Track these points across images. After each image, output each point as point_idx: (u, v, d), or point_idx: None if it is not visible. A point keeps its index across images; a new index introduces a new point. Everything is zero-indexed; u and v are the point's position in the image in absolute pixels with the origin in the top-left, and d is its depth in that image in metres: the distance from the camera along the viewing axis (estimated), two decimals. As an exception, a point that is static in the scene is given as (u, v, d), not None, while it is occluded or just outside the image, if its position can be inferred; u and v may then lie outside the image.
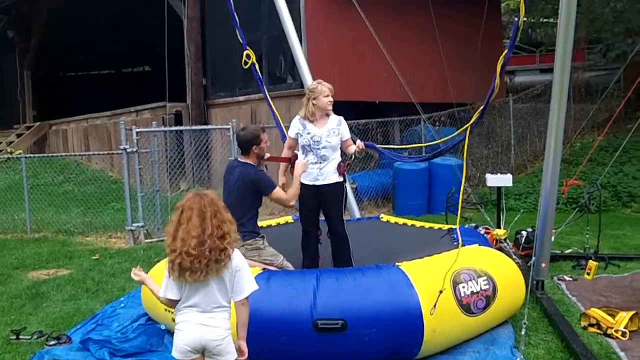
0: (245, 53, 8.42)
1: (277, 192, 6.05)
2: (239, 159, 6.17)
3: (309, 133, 6.54)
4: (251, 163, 6.07)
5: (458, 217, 6.58)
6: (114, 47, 25.90)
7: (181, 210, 3.98)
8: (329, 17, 13.71)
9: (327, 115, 6.62)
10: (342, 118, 6.68)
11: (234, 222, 4.04)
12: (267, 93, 8.63)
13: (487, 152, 15.28)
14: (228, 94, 15.73)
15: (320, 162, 6.53)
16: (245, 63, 8.45)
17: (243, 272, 4.02)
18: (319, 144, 6.50)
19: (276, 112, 8.27)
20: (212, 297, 3.96)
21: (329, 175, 6.51)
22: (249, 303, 4.07)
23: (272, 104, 8.51)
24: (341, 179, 6.58)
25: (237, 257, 4.04)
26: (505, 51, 6.03)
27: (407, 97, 10.37)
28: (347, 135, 6.61)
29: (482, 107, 6.20)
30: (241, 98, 15.10)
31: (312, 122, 6.59)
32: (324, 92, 6.56)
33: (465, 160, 6.59)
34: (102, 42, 25.08)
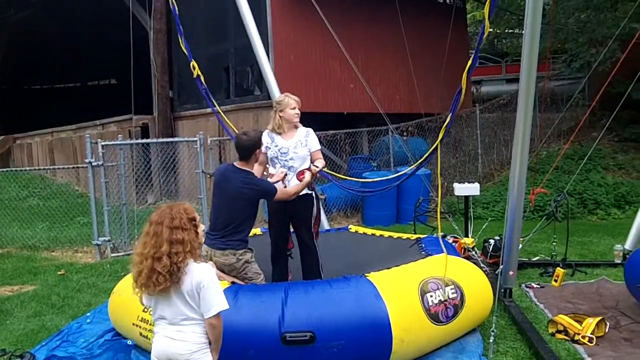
0: (192, 64, 8.44)
1: (280, 193, 6.03)
2: (235, 165, 6.00)
3: (276, 145, 6.52)
4: (251, 170, 5.96)
5: (439, 226, 6.59)
6: (80, 60, 25.70)
7: (149, 222, 3.97)
8: (296, 29, 13.74)
9: (296, 127, 6.60)
10: (310, 130, 6.65)
11: (185, 242, 3.89)
12: (214, 103, 8.63)
13: (454, 162, 15.39)
14: (195, 106, 15.66)
15: (289, 174, 6.51)
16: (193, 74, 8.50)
17: (208, 289, 3.89)
18: (286, 155, 6.47)
19: (228, 123, 8.28)
20: (177, 310, 3.91)
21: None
22: (221, 320, 3.97)
23: (221, 114, 8.54)
24: (310, 191, 6.55)
25: (200, 273, 3.91)
26: (470, 60, 6.08)
27: (375, 108, 10.42)
28: (315, 146, 6.58)
29: (446, 122, 6.24)
30: (208, 110, 14.98)
31: (280, 134, 6.58)
32: (291, 104, 6.54)
33: (439, 175, 6.61)
34: (67, 55, 24.87)
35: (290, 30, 13.68)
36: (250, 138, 5.94)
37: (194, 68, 8.50)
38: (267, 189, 5.95)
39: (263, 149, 6.62)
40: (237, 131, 8.12)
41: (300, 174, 6.42)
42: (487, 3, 5.97)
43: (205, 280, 3.88)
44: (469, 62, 6.14)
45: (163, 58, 15.59)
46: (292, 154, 6.45)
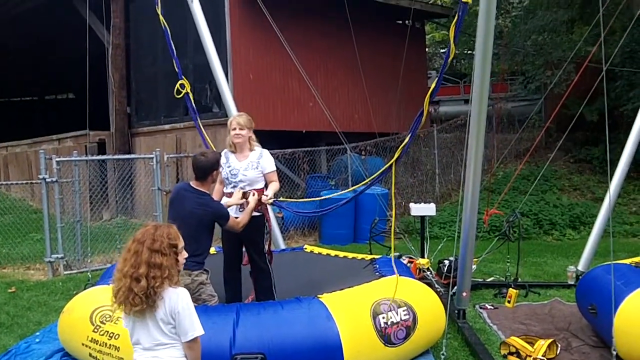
0: (179, 82, 8.37)
1: (231, 222, 5.99)
2: (190, 184, 5.98)
3: (229, 166, 6.53)
4: (207, 192, 5.94)
5: (392, 247, 6.59)
6: (37, 73, 25.34)
7: (132, 239, 3.90)
8: (256, 48, 13.75)
9: (251, 148, 6.59)
10: (265, 151, 6.63)
11: (162, 268, 3.79)
12: (199, 123, 8.56)
13: (412, 181, 15.48)
14: (153, 122, 15.55)
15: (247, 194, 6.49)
16: (179, 92, 8.40)
17: (183, 316, 3.78)
18: (236, 177, 6.46)
19: (209, 141, 8.24)
20: (151, 335, 3.81)
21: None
22: (198, 344, 3.86)
23: (205, 133, 8.47)
24: (259, 214, 6.51)
25: (175, 298, 3.81)
26: (434, 84, 6.12)
27: (333, 127, 10.43)
28: (269, 168, 6.55)
29: (404, 142, 6.28)
30: (166, 127, 14.97)
31: (234, 154, 6.58)
32: (232, 125, 6.57)
33: (394, 195, 6.63)
34: (24, 68, 24.48)
35: (250, 49, 13.69)
36: (207, 159, 5.95)
37: (183, 87, 8.39)
38: (219, 213, 5.94)
39: (220, 168, 6.62)
40: (211, 144, 8.08)
41: (246, 195, 6.42)
42: (452, 27, 6.03)
43: (179, 306, 3.79)
44: (432, 85, 6.19)
45: (121, 74, 15.45)
46: (242, 175, 6.45)
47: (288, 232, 12.83)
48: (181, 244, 3.98)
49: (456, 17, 5.99)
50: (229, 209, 6.23)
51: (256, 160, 6.51)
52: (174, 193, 6.05)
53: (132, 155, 14.09)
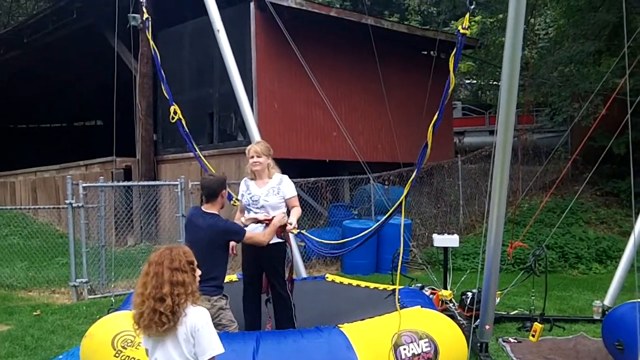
0: (172, 109, 8.49)
1: (248, 234, 5.99)
2: (201, 208, 6.01)
3: (249, 193, 6.60)
4: (217, 213, 5.95)
5: (397, 278, 6.54)
6: (66, 100, 25.71)
7: (148, 263, 3.92)
8: (281, 78, 13.81)
9: (270, 176, 6.62)
10: (285, 177, 6.66)
11: (185, 284, 3.84)
12: (195, 147, 8.73)
13: (436, 212, 15.38)
14: (178, 150, 15.62)
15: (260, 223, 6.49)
16: (172, 118, 8.53)
17: (202, 333, 3.79)
18: (257, 204, 6.50)
19: (208, 166, 8.32)
20: (169, 356, 3.81)
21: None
22: None
23: (203, 158, 8.56)
24: (281, 240, 6.50)
25: (196, 316, 3.84)
26: (436, 116, 6.13)
27: (357, 157, 10.43)
28: (289, 193, 6.57)
29: (412, 177, 6.28)
30: (191, 154, 14.95)
31: (254, 181, 6.63)
32: (249, 153, 6.67)
33: (403, 231, 6.61)
34: (54, 96, 24.90)
35: (274, 78, 13.76)
36: (214, 178, 6.07)
37: (175, 113, 8.51)
38: (230, 229, 5.95)
39: (240, 196, 6.66)
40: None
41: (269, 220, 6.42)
42: (451, 58, 6.05)
43: (200, 324, 3.81)
44: (434, 117, 6.19)
45: (148, 102, 15.59)
46: (263, 201, 6.48)
47: (310, 260, 12.78)
48: (196, 261, 4.03)
49: (455, 49, 6.02)
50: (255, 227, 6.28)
51: (277, 185, 6.55)
52: (187, 218, 6.15)
53: (157, 182, 14.19)
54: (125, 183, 13.15)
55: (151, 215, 13.40)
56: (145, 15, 9.15)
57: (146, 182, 14.00)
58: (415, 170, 6.27)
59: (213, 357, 3.82)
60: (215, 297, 5.77)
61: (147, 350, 3.98)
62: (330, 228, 13.63)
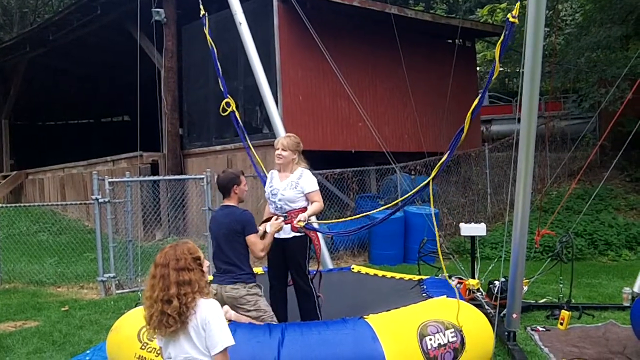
0: (225, 101, 8.47)
1: (253, 237, 6.00)
2: (222, 204, 6.19)
3: (271, 186, 6.69)
4: (233, 204, 6.08)
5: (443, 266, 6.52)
6: (93, 96, 25.98)
7: (154, 265, 3.97)
8: (305, 69, 13.81)
9: (292, 169, 6.65)
10: (305, 171, 6.66)
11: (192, 282, 3.88)
12: (247, 140, 8.61)
13: (463, 201, 15.30)
14: (204, 144, 15.72)
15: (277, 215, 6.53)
16: (224, 110, 8.50)
17: (212, 326, 3.83)
18: (275, 197, 6.59)
19: (257, 159, 8.32)
20: (181, 349, 3.88)
21: (286, 229, 6.47)
22: (227, 357, 3.89)
23: (253, 151, 8.53)
24: (302, 233, 6.52)
25: (206, 309, 3.88)
26: (476, 100, 6.06)
27: (382, 147, 10.40)
28: (309, 187, 6.57)
29: (442, 159, 6.21)
30: (217, 147, 15.10)
31: (279, 173, 6.70)
32: (276, 145, 6.74)
33: (434, 218, 6.59)
34: (81, 92, 25.14)
35: (298, 70, 13.75)
36: (225, 175, 6.15)
37: (229, 105, 8.51)
38: (243, 218, 6.01)
39: (266, 187, 6.73)
40: (264, 170, 8.12)
41: (289, 220, 6.45)
42: (497, 46, 5.97)
43: (210, 316, 3.86)
44: (474, 103, 6.12)
45: (173, 96, 15.69)
46: (280, 195, 6.54)
47: (337, 251, 12.79)
48: (202, 255, 4.07)
49: (502, 36, 5.92)
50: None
51: (296, 180, 6.58)
52: (212, 217, 6.39)
53: (184, 176, 14.26)
54: (151, 178, 13.23)
55: (178, 209, 13.49)
56: (202, 12, 9.13)
57: (172, 177, 14.08)
58: (448, 153, 6.21)
59: (225, 349, 3.86)
60: (250, 284, 5.94)
61: (160, 348, 4.04)
62: (358, 219, 13.63)
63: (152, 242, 14.12)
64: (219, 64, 8.99)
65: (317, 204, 6.60)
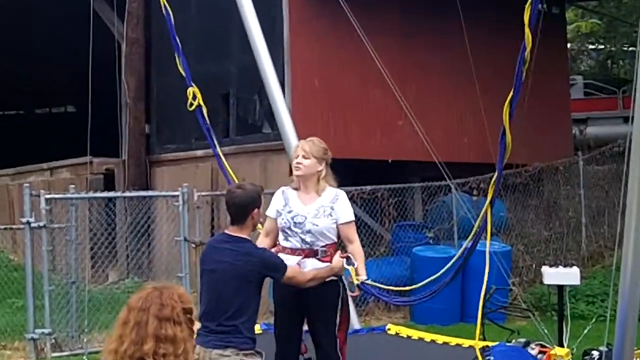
0: (189, 91, 8.49)
1: (292, 271, 6.03)
2: (226, 232, 6.07)
3: (290, 211, 6.51)
4: (247, 237, 6.01)
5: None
6: (25, 78, 25.92)
7: (127, 308, 3.92)
8: (324, 45, 13.79)
9: (319, 188, 6.58)
10: (341, 192, 6.61)
11: (177, 341, 3.82)
12: (216, 146, 8.64)
13: (547, 234, 15.23)
14: (180, 147, 15.71)
15: (302, 254, 6.45)
16: (191, 105, 8.53)
17: None
18: (302, 226, 6.43)
19: (231, 174, 8.30)
20: None
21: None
22: None
23: (224, 160, 8.55)
24: (335, 278, 6.44)
25: None
26: (512, 92, 6.02)
27: (432, 155, 10.36)
28: (345, 217, 6.51)
29: (493, 179, 6.16)
30: (199, 152, 15.08)
31: (297, 193, 6.61)
32: (294, 152, 6.71)
33: (488, 261, 6.52)
34: (7, 71, 25.13)
35: (314, 46, 13.74)
36: (245, 192, 6.03)
37: (194, 97, 8.53)
38: (270, 262, 5.97)
39: (272, 213, 6.61)
40: (236, 181, 8.13)
41: (325, 258, 6.40)
42: (527, 4, 5.96)
43: None
44: (510, 94, 6.10)
45: (139, 79, 15.74)
46: (310, 224, 6.42)
47: (366, 304, 12.71)
48: (194, 308, 3.99)
49: None
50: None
51: (329, 204, 6.50)
52: (208, 247, 6.24)
53: (151, 193, 14.26)
54: (106, 194, 13.24)
55: (142, 240, 13.50)
56: None
57: (135, 193, 14.10)
58: (497, 172, 6.16)
59: None
60: (247, 351, 5.82)
61: None
62: (393, 258, 13.56)
63: (104, 285, 14.11)
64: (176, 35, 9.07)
65: (360, 248, 6.67)
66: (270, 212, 6.71)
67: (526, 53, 6.15)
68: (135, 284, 13.78)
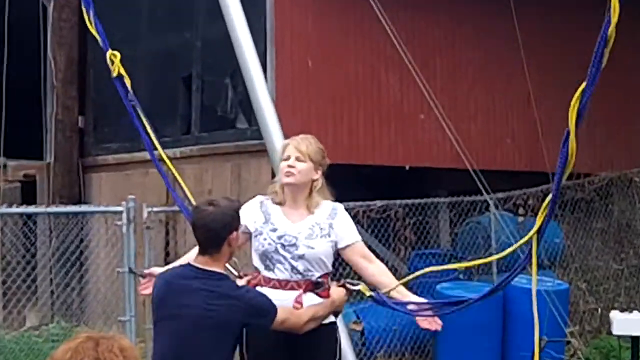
0: (108, 54, 8.58)
1: (283, 313, 5.94)
2: (193, 265, 5.95)
3: (275, 229, 6.50)
4: (222, 272, 5.94)
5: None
6: None
7: None
8: (318, 13, 13.75)
9: (311, 203, 6.57)
10: (339, 206, 6.66)
11: None
12: (153, 140, 8.67)
13: (617, 268, 15.28)
14: (126, 147, 15.69)
15: (295, 287, 6.46)
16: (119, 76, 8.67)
17: None
18: (293, 250, 6.43)
19: (180, 182, 8.37)
20: None
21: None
22: None
23: (169, 163, 8.68)
24: (333, 319, 6.49)
25: None
26: (584, 84, 6.00)
27: (462, 160, 10.41)
28: (349, 238, 6.53)
29: (548, 199, 6.17)
30: (146, 154, 15.10)
31: (282, 208, 6.61)
32: (284, 152, 6.65)
33: (535, 303, 6.57)
34: None
35: (308, 12, 13.74)
36: (219, 210, 5.91)
37: (112, 62, 8.60)
38: (258, 305, 5.91)
39: (246, 227, 6.53)
40: (191, 197, 8.13)
41: (323, 292, 6.41)
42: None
43: None
44: (581, 86, 6.10)
45: (69, 56, 15.75)
46: (305, 248, 6.42)
47: (373, 358, 12.76)
48: None
49: None
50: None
51: (325, 221, 6.52)
52: (163, 285, 6.07)
53: (85, 208, 14.22)
54: (24, 209, 13.26)
55: (71, 271, 13.49)
56: None
57: (64, 208, 14.08)
58: (554, 188, 6.17)
59: None
60: None
61: None
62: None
63: (20, 330, 14.12)
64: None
65: (382, 265, 6.74)
66: (251, 230, 6.58)
67: (610, 29, 6.09)
68: (62, 330, 13.77)
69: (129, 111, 8.84)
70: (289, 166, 6.47)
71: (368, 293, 6.46)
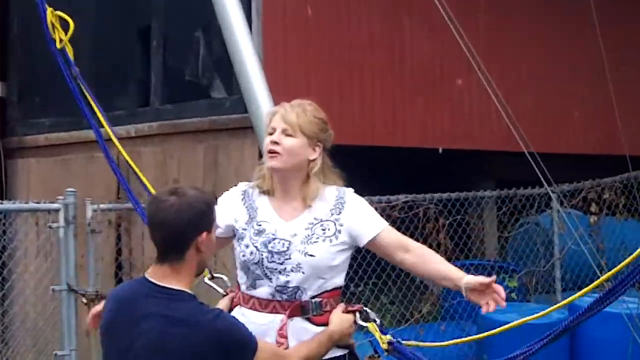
0: (48, 16, 8.66)
1: (266, 350, 5.69)
2: (147, 278, 5.67)
3: (259, 232, 6.36)
4: (186, 290, 5.64)
5: None
6: None
7: None
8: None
9: (310, 191, 6.46)
10: (347, 192, 6.46)
11: None
12: (99, 116, 8.74)
13: None
14: (62, 123, 15.77)
15: (279, 308, 6.44)
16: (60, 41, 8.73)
17: None
18: (285, 259, 6.33)
19: (135, 168, 8.45)
20: None
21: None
22: None
23: (119, 146, 8.74)
24: (344, 352, 6.39)
25: None
26: None
27: (514, 142, 10.48)
28: (371, 229, 6.30)
29: None
30: (91, 133, 15.14)
31: (270, 199, 6.48)
32: (269, 123, 6.42)
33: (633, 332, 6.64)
34: None
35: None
36: (184, 203, 5.60)
37: (54, 27, 8.67)
38: (232, 337, 5.61)
39: (223, 225, 6.41)
40: (153, 190, 8.16)
41: (318, 317, 6.29)
42: None
43: None
44: None
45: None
46: (300, 256, 6.25)
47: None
48: None
49: None
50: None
51: (330, 216, 6.36)
52: (112, 305, 5.87)
53: (8, 204, 14.28)
54: None
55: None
56: None
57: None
58: None
59: None
60: None
61: None
62: (446, 324, 13.63)
63: None
64: None
65: (426, 248, 6.56)
66: (220, 222, 6.21)
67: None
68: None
69: (70, 87, 8.91)
70: (273, 143, 6.26)
71: (384, 342, 6.35)
